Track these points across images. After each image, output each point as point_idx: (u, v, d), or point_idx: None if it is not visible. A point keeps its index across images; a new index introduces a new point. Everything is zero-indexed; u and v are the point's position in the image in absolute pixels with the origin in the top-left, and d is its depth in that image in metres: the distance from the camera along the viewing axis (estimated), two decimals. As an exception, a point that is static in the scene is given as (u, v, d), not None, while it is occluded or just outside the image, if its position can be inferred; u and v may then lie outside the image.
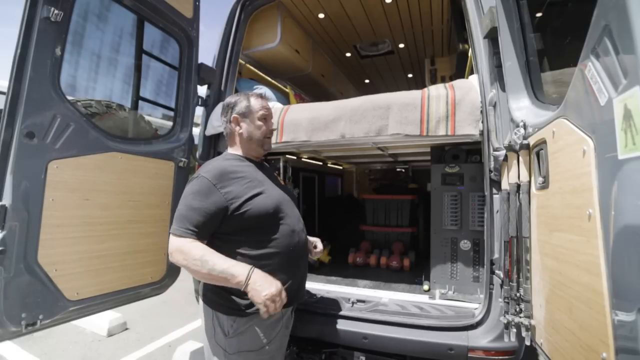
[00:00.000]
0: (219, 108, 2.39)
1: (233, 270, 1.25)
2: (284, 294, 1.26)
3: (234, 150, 1.58)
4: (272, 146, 2.20)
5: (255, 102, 1.54)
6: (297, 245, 1.47)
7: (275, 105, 2.53)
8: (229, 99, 1.57)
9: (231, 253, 1.34)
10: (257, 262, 1.34)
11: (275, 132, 2.19)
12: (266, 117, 1.57)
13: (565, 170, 1.04)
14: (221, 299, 1.39)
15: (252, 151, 1.57)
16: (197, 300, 2.36)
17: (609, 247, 0.77)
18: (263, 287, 1.22)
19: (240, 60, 2.78)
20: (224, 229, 1.37)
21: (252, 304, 1.30)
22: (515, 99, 1.51)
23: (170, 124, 2.28)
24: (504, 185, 1.51)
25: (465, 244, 2.10)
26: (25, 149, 1.42)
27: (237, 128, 1.53)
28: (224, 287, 1.34)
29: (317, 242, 1.74)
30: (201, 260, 1.25)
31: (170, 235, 1.33)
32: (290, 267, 1.44)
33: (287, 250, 1.42)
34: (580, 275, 0.93)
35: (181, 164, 2.18)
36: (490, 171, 1.64)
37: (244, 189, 1.37)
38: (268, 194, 1.42)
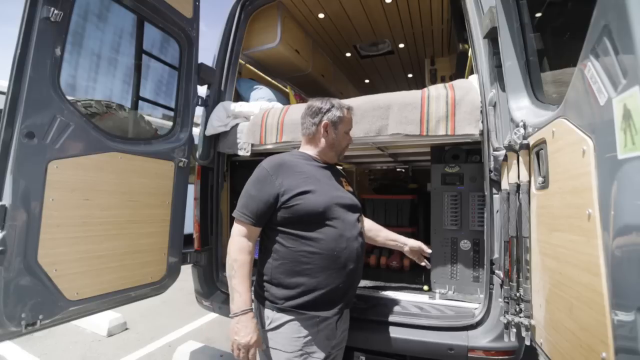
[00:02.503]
0: (219, 108, 2.39)
1: (235, 297, 1.34)
2: (252, 352, 1.32)
3: (308, 150, 1.60)
4: (272, 146, 2.22)
5: (347, 115, 1.59)
6: (344, 252, 1.42)
7: (275, 105, 2.53)
8: (319, 103, 1.58)
9: (273, 242, 1.43)
10: (295, 256, 1.38)
11: (275, 132, 2.19)
12: (349, 131, 1.64)
13: (565, 170, 1.04)
14: (264, 291, 1.44)
15: (327, 157, 1.60)
16: (198, 301, 2.36)
17: (609, 247, 0.77)
18: (239, 332, 1.31)
19: (240, 60, 2.78)
20: (274, 219, 1.42)
21: (288, 298, 1.37)
22: (515, 99, 1.51)
23: (170, 124, 2.28)
24: (504, 185, 1.51)
25: (465, 244, 2.10)
26: (25, 149, 1.42)
27: (325, 133, 1.56)
28: (267, 280, 1.42)
29: (418, 246, 1.82)
30: (230, 265, 1.37)
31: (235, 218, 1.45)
32: (333, 271, 1.40)
33: (330, 254, 1.39)
34: (580, 275, 0.93)
35: (181, 164, 2.18)
36: (490, 171, 1.64)
37: (298, 182, 1.41)
38: (321, 192, 1.42)
